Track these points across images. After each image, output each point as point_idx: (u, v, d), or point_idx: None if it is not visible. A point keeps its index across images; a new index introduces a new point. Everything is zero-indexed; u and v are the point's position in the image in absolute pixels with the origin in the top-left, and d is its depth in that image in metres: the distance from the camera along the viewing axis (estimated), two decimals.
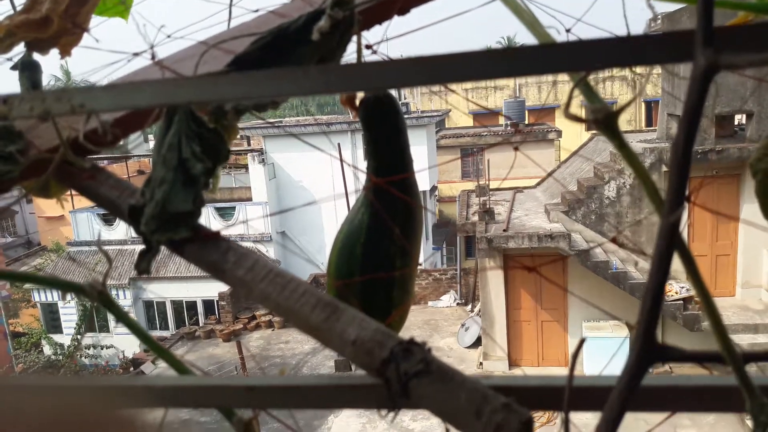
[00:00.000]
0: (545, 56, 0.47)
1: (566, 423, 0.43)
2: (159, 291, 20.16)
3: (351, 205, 0.85)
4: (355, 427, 12.48)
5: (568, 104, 0.45)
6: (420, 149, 19.98)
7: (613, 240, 13.20)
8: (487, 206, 13.86)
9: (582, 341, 0.48)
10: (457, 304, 17.91)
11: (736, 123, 13.61)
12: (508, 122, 24.39)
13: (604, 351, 12.95)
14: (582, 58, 0.45)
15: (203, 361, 15.07)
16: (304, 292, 0.54)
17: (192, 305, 20.49)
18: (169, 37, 0.75)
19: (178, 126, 0.61)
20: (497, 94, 31.06)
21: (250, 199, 21.28)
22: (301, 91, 0.48)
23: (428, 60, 0.47)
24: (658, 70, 27.81)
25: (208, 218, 19.97)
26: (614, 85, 30.44)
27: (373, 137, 0.78)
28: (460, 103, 31.08)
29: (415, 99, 24.41)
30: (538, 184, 17.23)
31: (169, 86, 0.51)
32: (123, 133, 0.66)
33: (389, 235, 0.78)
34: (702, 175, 12.96)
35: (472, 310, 16.67)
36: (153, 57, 0.70)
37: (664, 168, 12.95)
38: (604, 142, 16.38)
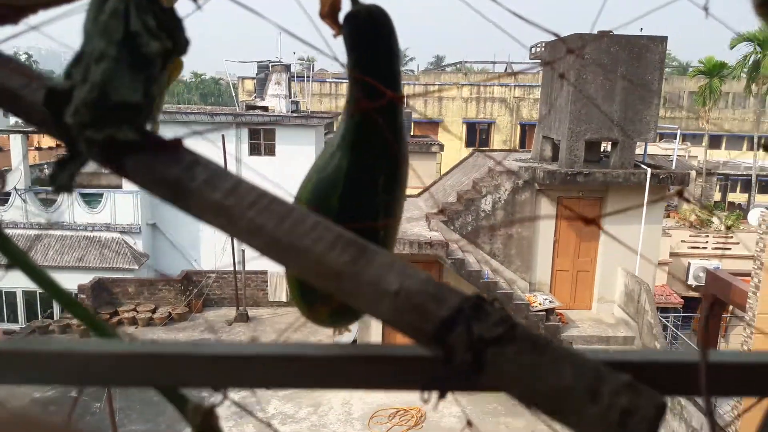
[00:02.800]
0: None
1: (710, 412, 0.31)
2: (9, 279, 18.17)
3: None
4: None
5: None
6: (308, 149, 19.71)
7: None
8: None
9: (713, 303, 0.36)
10: None
11: (602, 150, 14.72)
12: None
13: None
14: None
15: None
16: (315, 225, 0.37)
17: (47, 297, 18.68)
18: None
19: None
20: None
21: (119, 187, 19.83)
22: None
23: None
24: (536, 95, 29.55)
25: (72, 205, 18.37)
26: (494, 106, 32.04)
27: (360, 58, 0.63)
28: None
29: (305, 98, 24.08)
30: (421, 193, 17.61)
31: None
32: None
33: (373, 183, 0.63)
34: (571, 195, 13.89)
35: None
36: None
37: (537, 186, 13.72)
38: (483, 158, 17.07)
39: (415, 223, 14.29)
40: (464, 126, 31.91)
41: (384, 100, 0.63)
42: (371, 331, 13.60)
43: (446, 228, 13.99)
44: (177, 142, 0.41)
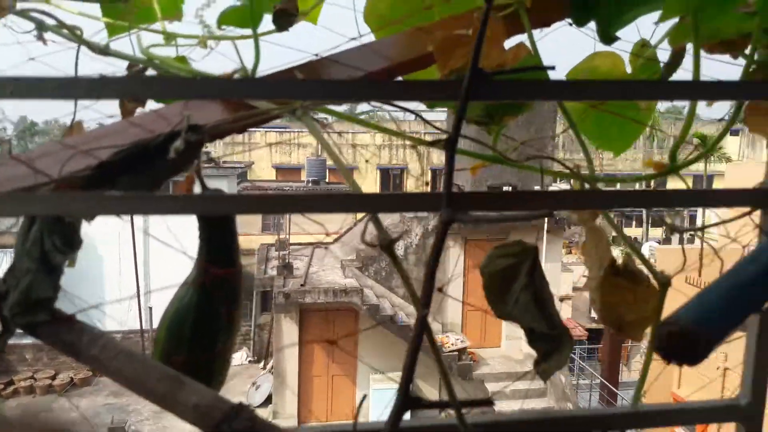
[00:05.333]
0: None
1: None
2: None
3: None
4: None
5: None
6: None
7: None
8: (287, 260, 14.02)
9: (364, 397, 0.67)
10: (249, 361, 17.51)
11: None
12: (310, 179, 25.14)
13: (388, 402, 13.63)
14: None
15: None
16: (152, 367, 0.67)
17: None
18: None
19: (41, 223, 0.70)
20: (300, 151, 31.92)
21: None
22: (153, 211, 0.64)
23: (264, 196, 0.66)
24: None
25: None
26: (406, 152, 33.08)
27: (208, 229, 0.93)
28: (263, 156, 31.29)
29: (216, 147, 24.06)
30: (336, 240, 17.88)
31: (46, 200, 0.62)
32: None
33: (216, 314, 0.93)
34: (479, 237, 14.62)
35: (264, 367, 16.44)
36: (10, 151, 0.78)
37: None
38: None
39: (330, 271, 14.52)
40: (378, 172, 32.71)
41: (223, 271, 0.93)
42: (286, 385, 13.52)
43: (361, 274, 14.30)
44: (72, 317, 0.69)
